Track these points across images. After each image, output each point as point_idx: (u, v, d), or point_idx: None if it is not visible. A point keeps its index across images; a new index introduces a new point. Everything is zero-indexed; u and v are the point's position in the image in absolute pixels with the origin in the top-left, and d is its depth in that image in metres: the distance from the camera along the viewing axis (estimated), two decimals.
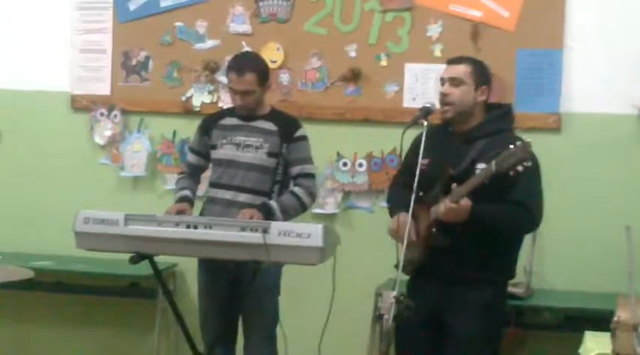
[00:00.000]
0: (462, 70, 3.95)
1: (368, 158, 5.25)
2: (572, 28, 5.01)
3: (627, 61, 4.96)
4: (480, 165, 3.78)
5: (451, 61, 4.05)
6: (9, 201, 5.71)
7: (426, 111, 3.88)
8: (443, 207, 3.71)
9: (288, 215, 4.33)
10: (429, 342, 3.96)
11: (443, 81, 3.98)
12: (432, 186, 3.81)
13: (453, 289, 3.88)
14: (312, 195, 4.45)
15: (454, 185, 3.72)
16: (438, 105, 3.95)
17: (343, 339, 4.94)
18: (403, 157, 4.28)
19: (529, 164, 3.55)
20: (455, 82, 3.93)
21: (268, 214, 4.23)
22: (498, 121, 3.99)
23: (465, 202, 3.69)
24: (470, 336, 3.87)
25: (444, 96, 3.94)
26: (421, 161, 3.79)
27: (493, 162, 3.58)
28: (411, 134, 3.91)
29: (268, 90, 4.50)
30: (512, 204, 3.78)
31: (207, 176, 4.72)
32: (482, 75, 3.99)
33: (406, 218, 3.71)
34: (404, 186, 3.99)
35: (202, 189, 4.97)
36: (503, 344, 4.91)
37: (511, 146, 3.54)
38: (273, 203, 4.31)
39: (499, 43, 5.07)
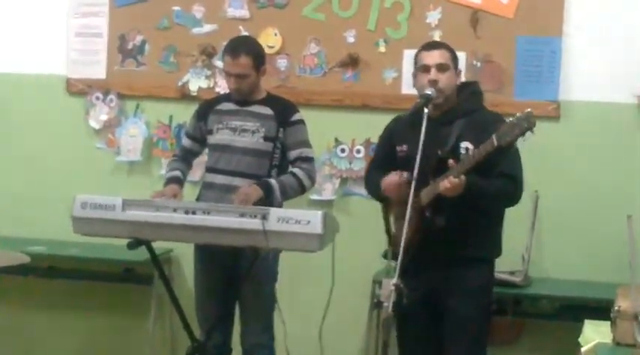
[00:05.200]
0: (445, 54, 3.98)
1: (366, 144, 5.22)
2: (571, 15, 4.99)
3: (627, 48, 4.94)
4: (464, 144, 3.82)
5: (431, 47, 4.05)
6: (3, 185, 5.66)
7: (427, 99, 3.85)
8: (447, 183, 3.68)
9: (286, 195, 4.33)
10: (428, 324, 3.98)
11: (427, 67, 3.94)
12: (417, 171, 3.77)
13: (446, 270, 3.90)
14: (312, 179, 4.44)
15: (451, 162, 3.72)
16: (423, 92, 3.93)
17: (341, 326, 4.92)
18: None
19: (533, 132, 3.54)
20: (442, 67, 3.94)
21: (267, 191, 4.23)
22: (472, 100, 4.02)
23: (463, 178, 3.70)
24: (466, 316, 3.90)
25: (434, 83, 3.91)
26: (399, 148, 3.95)
27: (494, 137, 3.58)
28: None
29: (264, 75, 4.46)
30: (501, 176, 3.82)
31: (201, 161, 4.70)
32: (456, 57, 4.04)
33: (397, 176, 3.83)
34: (378, 174, 4.04)
35: (198, 174, 4.97)
36: (501, 332, 4.96)
37: (510, 119, 3.54)
38: (273, 181, 4.30)
39: (498, 29, 5.05)
